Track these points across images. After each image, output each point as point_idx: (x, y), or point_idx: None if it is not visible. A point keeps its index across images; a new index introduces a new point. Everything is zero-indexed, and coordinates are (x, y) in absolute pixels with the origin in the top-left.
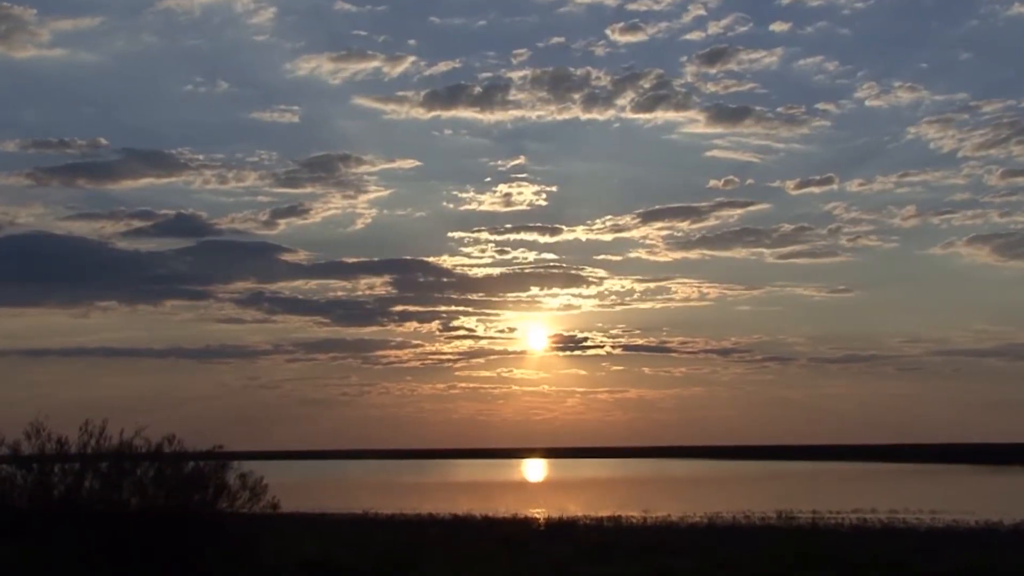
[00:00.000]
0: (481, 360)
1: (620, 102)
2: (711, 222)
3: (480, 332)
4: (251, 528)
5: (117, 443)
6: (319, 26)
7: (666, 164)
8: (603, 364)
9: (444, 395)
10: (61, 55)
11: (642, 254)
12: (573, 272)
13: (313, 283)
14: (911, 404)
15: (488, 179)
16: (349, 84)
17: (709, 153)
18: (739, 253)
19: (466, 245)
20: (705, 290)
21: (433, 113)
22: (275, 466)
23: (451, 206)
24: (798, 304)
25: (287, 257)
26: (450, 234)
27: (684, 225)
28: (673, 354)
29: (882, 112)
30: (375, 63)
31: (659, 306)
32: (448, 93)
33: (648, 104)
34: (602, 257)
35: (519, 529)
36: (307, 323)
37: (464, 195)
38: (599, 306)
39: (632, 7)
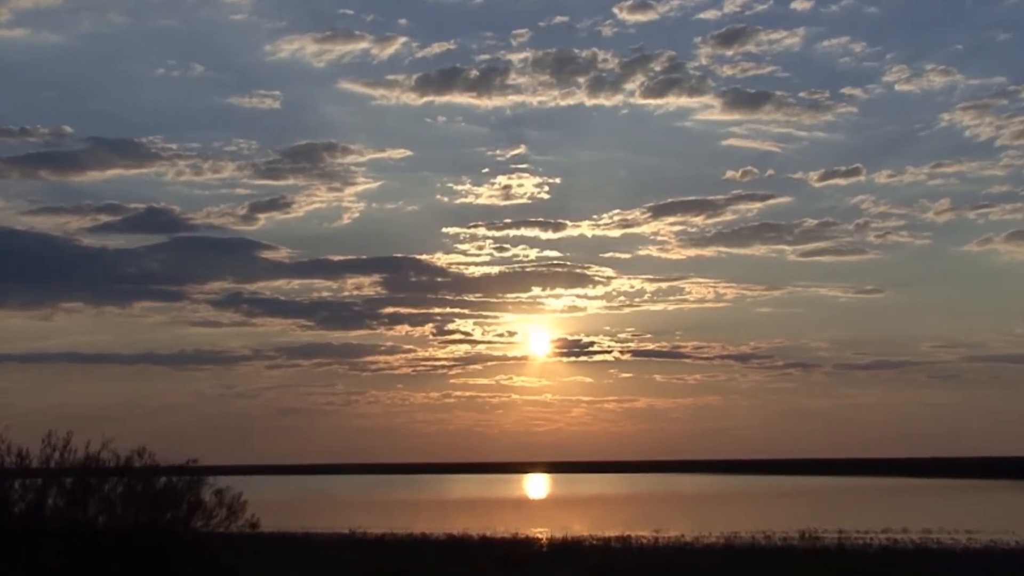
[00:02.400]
0: (478, 366)
1: (629, 86)
2: (728, 217)
3: (477, 336)
4: (228, 549)
5: (83, 457)
6: (302, 5)
7: (679, 154)
8: (611, 371)
9: (438, 404)
10: (22, 36)
11: (653, 251)
12: (578, 271)
13: (296, 283)
14: (945, 414)
15: (486, 170)
16: (335, 67)
17: (725, 142)
18: (758, 250)
19: (462, 242)
20: (721, 291)
21: (426, 99)
22: (255, 482)
23: (446, 199)
24: (822, 306)
25: (268, 255)
26: (444, 230)
27: (698, 220)
28: (687, 360)
29: (913, 97)
30: (363, 44)
31: (671, 308)
32: (442, 77)
33: (659, 89)
34: (609, 255)
35: (519, 550)
36: (289, 326)
37: (460, 188)
38: (606, 308)
39: None
